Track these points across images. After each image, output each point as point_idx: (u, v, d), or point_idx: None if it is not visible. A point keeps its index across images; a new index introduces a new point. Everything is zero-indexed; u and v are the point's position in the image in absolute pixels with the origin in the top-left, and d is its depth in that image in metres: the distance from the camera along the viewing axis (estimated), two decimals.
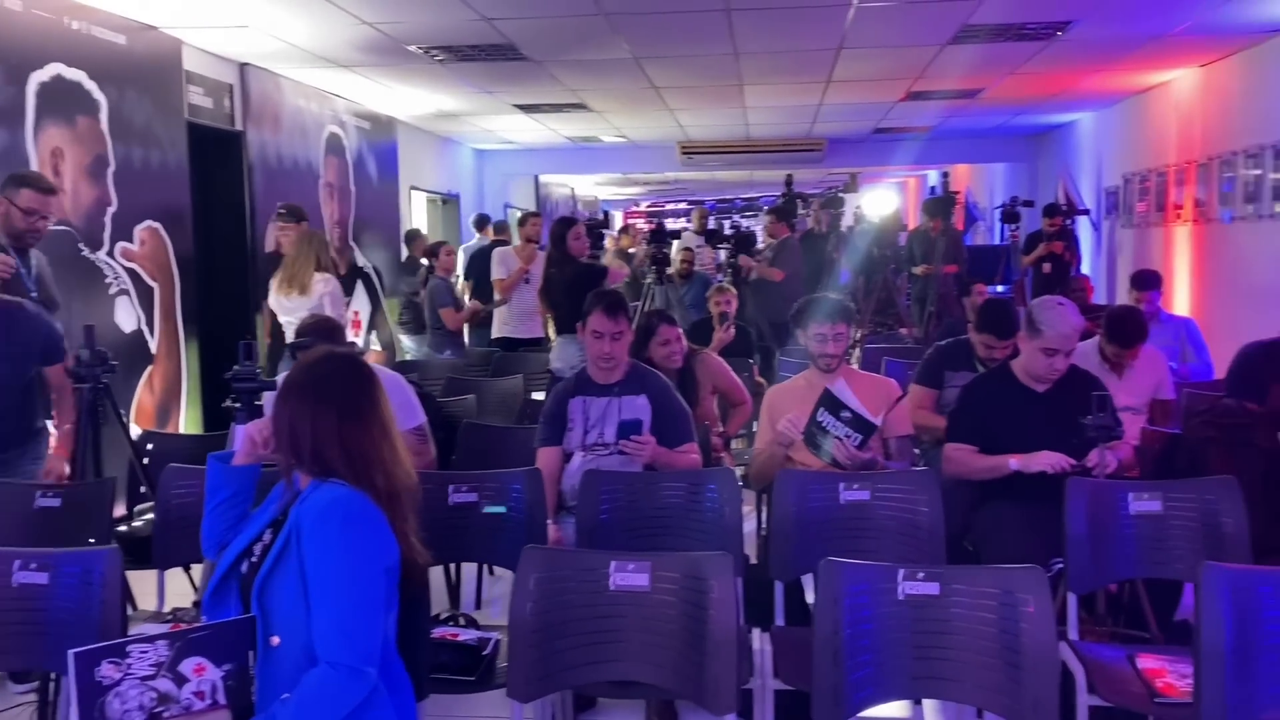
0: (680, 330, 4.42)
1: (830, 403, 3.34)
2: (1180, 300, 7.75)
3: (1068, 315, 3.35)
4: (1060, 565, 2.92)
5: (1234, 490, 2.85)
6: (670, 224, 17.24)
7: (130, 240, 5.42)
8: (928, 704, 3.28)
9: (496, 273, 7.23)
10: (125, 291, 5.34)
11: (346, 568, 1.88)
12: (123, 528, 3.75)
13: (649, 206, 24.55)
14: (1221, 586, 2.08)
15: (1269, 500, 3.17)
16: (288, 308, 5.18)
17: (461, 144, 11.80)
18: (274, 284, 5.41)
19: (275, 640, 1.89)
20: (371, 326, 7.08)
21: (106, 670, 1.74)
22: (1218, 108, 7.41)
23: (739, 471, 4.30)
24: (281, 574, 1.92)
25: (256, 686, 1.89)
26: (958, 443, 3.45)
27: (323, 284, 5.42)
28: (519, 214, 8.07)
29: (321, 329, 3.47)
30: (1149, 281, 5.54)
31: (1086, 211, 9.89)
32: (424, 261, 8.40)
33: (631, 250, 9.65)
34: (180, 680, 1.79)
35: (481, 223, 9.68)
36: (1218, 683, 2.05)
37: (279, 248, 5.71)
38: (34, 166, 4.67)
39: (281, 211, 5.73)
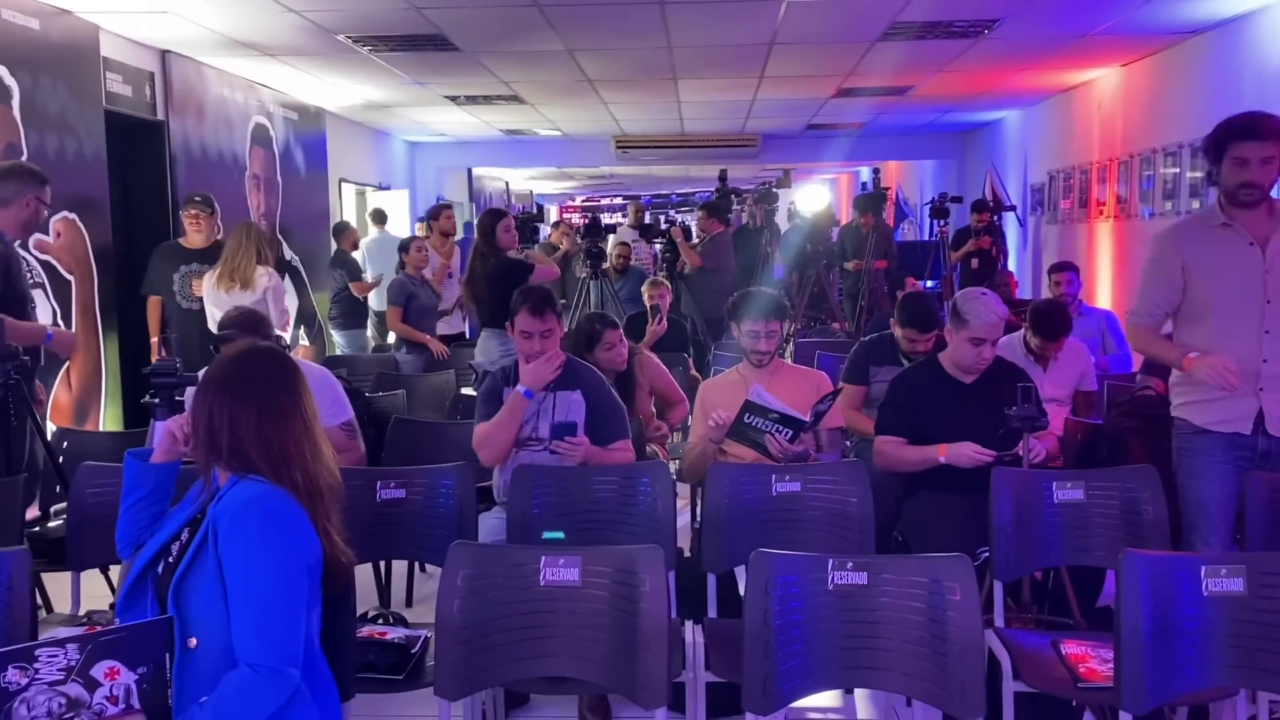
0: (622, 333, 4.42)
1: (754, 409, 3.35)
2: (1103, 294, 7.95)
3: (991, 305, 3.41)
4: (987, 554, 2.97)
5: (1153, 478, 2.92)
6: (605, 219, 17.21)
7: (45, 232, 5.24)
8: (859, 693, 3.32)
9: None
10: (40, 285, 5.16)
11: (265, 567, 1.83)
12: (36, 529, 3.62)
13: (584, 201, 24.49)
14: (1140, 572, 2.13)
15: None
16: (227, 302, 5.03)
17: (393, 136, 11.64)
18: (210, 278, 5.27)
19: (193, 642, 1.84)
20: (300, 321, 6.95)
21: (12, 676, 1.67)
22: (1138, 106, 7.60)
23: (673, 466, 4.31)
24: (198, 574, 1.86)
25: (174, 690, 1.83)
26: (887, 435, 3.48)
27: (266, 277, 5.30)
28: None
29: (246, 322, 3.38)
30: (1064, 265, 5.87)
31: (1013, 208, 10.09)
32: (355, 255, 8.32)
33: (562, 245, 9.56)
34: (92, 685, 1.73)
35: (379, 217, 9.45)
36: (1137, 665, 2.10)
37: (188, 239, 5.55)
38: None
39: (196, 200, 5.55)
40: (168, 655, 1.82)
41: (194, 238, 5.51)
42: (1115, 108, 8.00)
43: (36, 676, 1.68)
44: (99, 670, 1.73)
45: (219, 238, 5.58)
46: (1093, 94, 8.44)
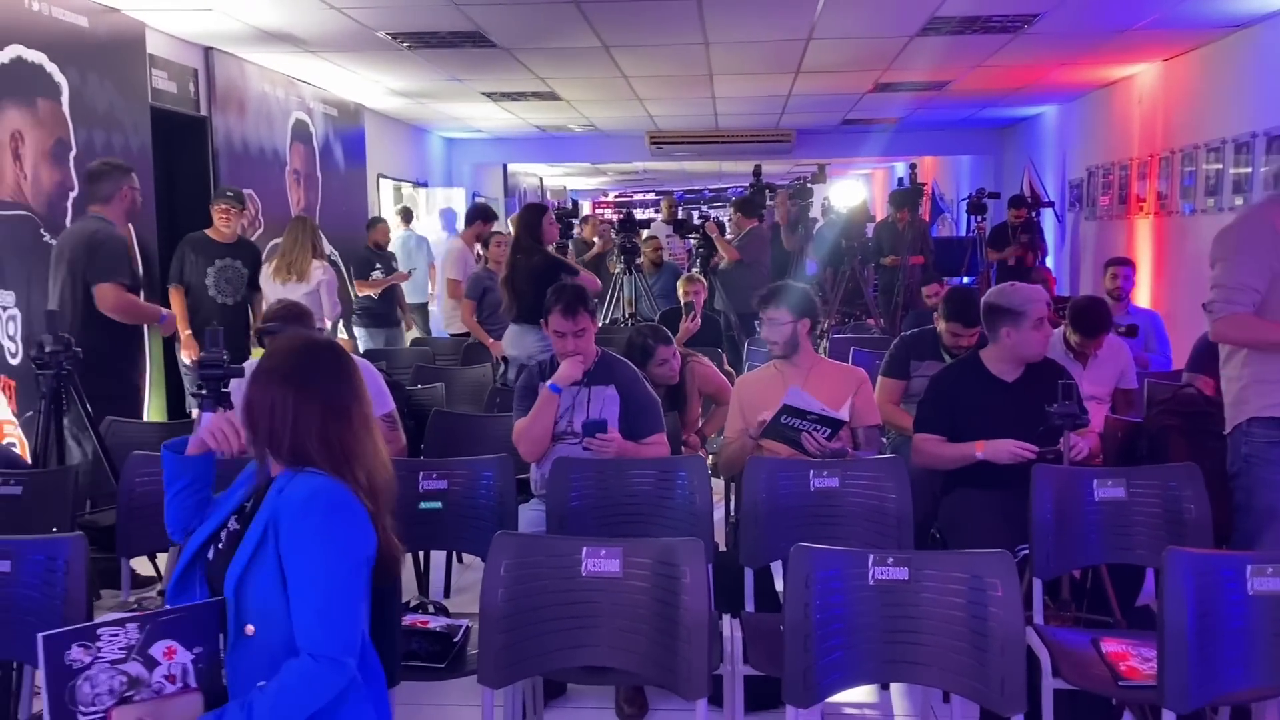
0: (675, 347, 4.43)
1: (792, 411, 3.36)
2: (1142, 292, 7.86)
3: (1033, 287, 3.50)
4: (1026, 551, 2.96)
5: (1196, 477, 2.90)
6: (639, 215, 17.20)
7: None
8: (895, 688, 3.32)
9: (452, 271, 7.24)
10: None
11: (328, 558, 1.84)
12: (87, 516, 3.71)
13: (617, 197, 24.51)
14: (1184, 571, 2.12)
15: (1227, 487, 3.22)
16: (283, 294, 5.13)
17: (430, 132, 11.72)
18: (268, 270, 5.41)
19: (250, 630, 1.85)
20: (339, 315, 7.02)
21: (76, 654, 1.71)
22: (1180, 102, 7.51)
23: (709, 460, 4.32)
24: (258, 565, 1.87)
25: (227, 673, 1.87)
26: (926, 433, 3.48)
27: (321, 271, 5.53)
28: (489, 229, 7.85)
29: (289, 314, 3.44)
30: (1121, 260, 5.82)
31: (1051, 204, 10.00)
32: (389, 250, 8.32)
33: (593, 240, 9.57)
34: (151, 663, 1.77)
35: (406, 215, 9.40)
36: (1180, 665, 2.09)
37: (216, 231, 5.55)
38: None
39: (228, 194, 5.59)
40: (221, 637, 1.85)
41: (223, 231, 5.54)
42: (1156, 103, 7.91)
43: (99, 655, 1.72)
44: (158, 649, 1.76)
45: (247, 233, 5.61)
46: (1133, 89, 8.35)
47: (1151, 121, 7.99)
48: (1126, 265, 5.74)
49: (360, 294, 7.73)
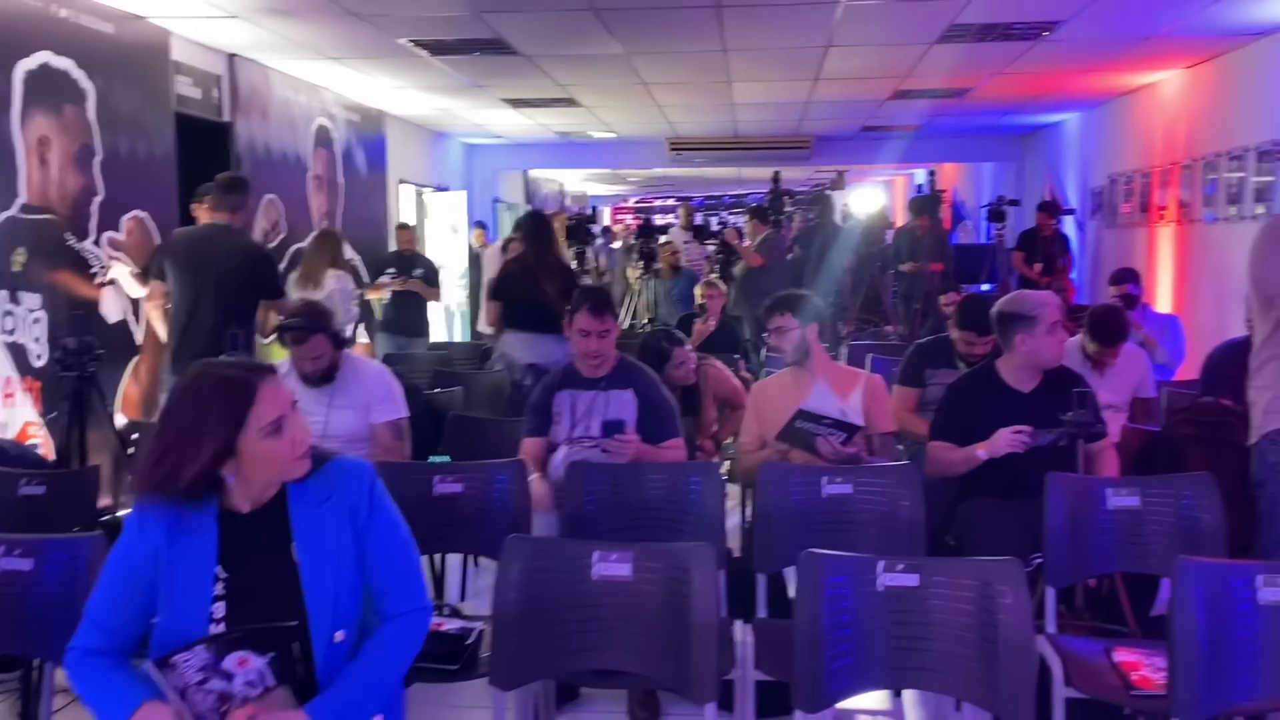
0: (690, 349, 4.47)
1: (808, 416, 3.38)
2: (1164, 300, 7.81)
3: (1042, 293, 3.51)
4: (1040, 560, 2.95)
5: (1211, 487, 2.88)
6: (658, 221, 17.24)
7: (117, 230, 5.40)
8: (908, 694, 3.32)
9: (491, 271, 7.30)
10: (111, 281, 5.32)
11: (399, 518, 2.01)
12: (107, 517, 3.75)
13: (637, 203, 24.56)
14: (1195, 580, 2.12)
15: (1247, 497, 3.21)
16: None
17: (451, 137, 11.79)
18: (293, 278, 5.58)
19: (339, 636, 1.89)
20: (360, 319, 7.09)
21: (173, 681, 1.74)
22: (1202, 110, 7.46)
23: (725, 466, 4.34)
24: (345, 568, 1.90)
25: (318, 674, 1.87)
26: (940, 441, 3.47)
27: (334, 280, 5.72)
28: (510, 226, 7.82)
29: (310, 313, 3.49)
30: (1124, 276, 5.81)
31: (1071, 211, 9.95)
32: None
33: (614, 246, 9.61)
34: (227, 677, 1.76)
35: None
36: (1191, 674, 2.09)
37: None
38: (20, 155, 4.67)
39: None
40: (296, 645, 1.83)
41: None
42: (1179, 110, 7.86)
43: (185, 681, 1.73)
44: (229, 663, 1.76)
45: (269, 237, 5.61)
46: (1155, 97, 8.30)
47: (1174, 129, 7.94)
48: (1128, 281, 5.71)
49: (367, 298, 7.64)
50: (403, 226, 8.21)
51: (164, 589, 1.86)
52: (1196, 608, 2.09)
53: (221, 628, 1.84)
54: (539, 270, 5.21)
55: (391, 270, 7.62)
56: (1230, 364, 4.09)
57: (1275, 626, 2.13)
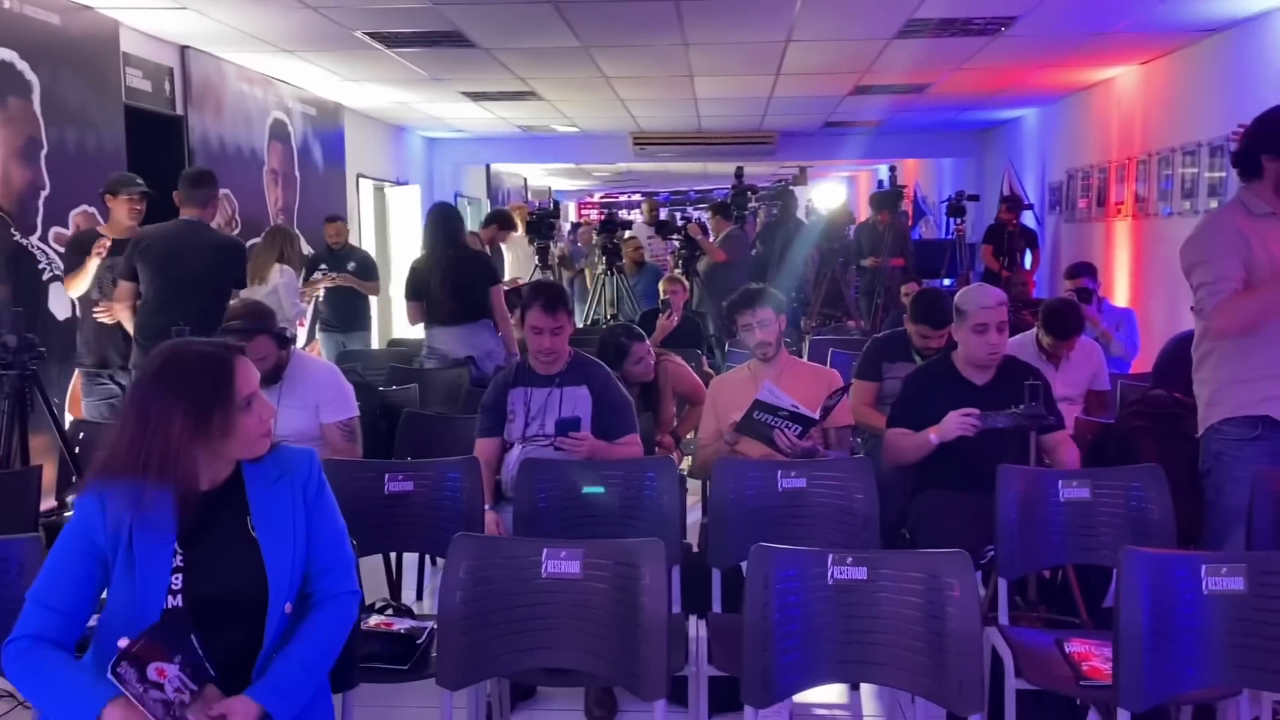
0: (649, 344, 4.45)
1: (764, 406, 3.37)
2: (1120, 294, 7.90)
3: (985, 289, 3.46)
4: (993, 552, 2.96)
5: (1160, 478, 2.90)
6: (625, 215, 17.21)
7: (64, 225, 5.30)
8: (865, 689, 3.32)
9: None
10: (59, 277, 5.22)
11: (335, 501, 2.09)
12: (52, 518, 3.67)
13: (602, 198, 24.50)
14: (1141, 570, 2.13)
15: (1196, 488, 3.24)
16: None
17: (411, 132, 11.68)
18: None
19: (288, 608, 1.96)
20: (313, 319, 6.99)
21: (128, 690, 1.73)
22: (1157, 105, 7.55)
23: (685, 463, 4.33)
24: (298, 544, 1.98)
25: (268, 644, 1.93)
26: (897, 428, 3.48)
27: (278, 274, 5.66)
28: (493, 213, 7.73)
29: (250, 313, 3.42)
30: (1080, 270, 5.87)
31: (1030, 206, 10.03)
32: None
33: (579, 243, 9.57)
34: (159, 687, 1.76)
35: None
36: (1136, 663, 2.10)
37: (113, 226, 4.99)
38: None
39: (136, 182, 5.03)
40: (193, 637, 1.83)
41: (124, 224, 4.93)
42: (1134, 106, 7.95)
43: (135, 691, 1.73)
44: (152, 674, 1.75)
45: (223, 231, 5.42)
46: (1112, 93, 8.39)
47: (1130, 124, 8.02)
48: (1083, 275, 5.78)
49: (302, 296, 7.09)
50: (332, 219, 7.57)
51: (123, 564, 1.88)
52: (1142, 598, 2.10)
53: (179, 600, 1.88)
54: (455, 262, 5.16)
55: (323, 266, 7.24)
56: (1181, 357, 4.15)
57: (1220, 616, 2.15)
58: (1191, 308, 3.10)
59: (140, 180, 5.07)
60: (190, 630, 1.83)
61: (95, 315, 4.77)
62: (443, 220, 5.35)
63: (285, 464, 2.02)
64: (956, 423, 3.21)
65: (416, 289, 5.27)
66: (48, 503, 4.01)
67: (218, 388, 1.86)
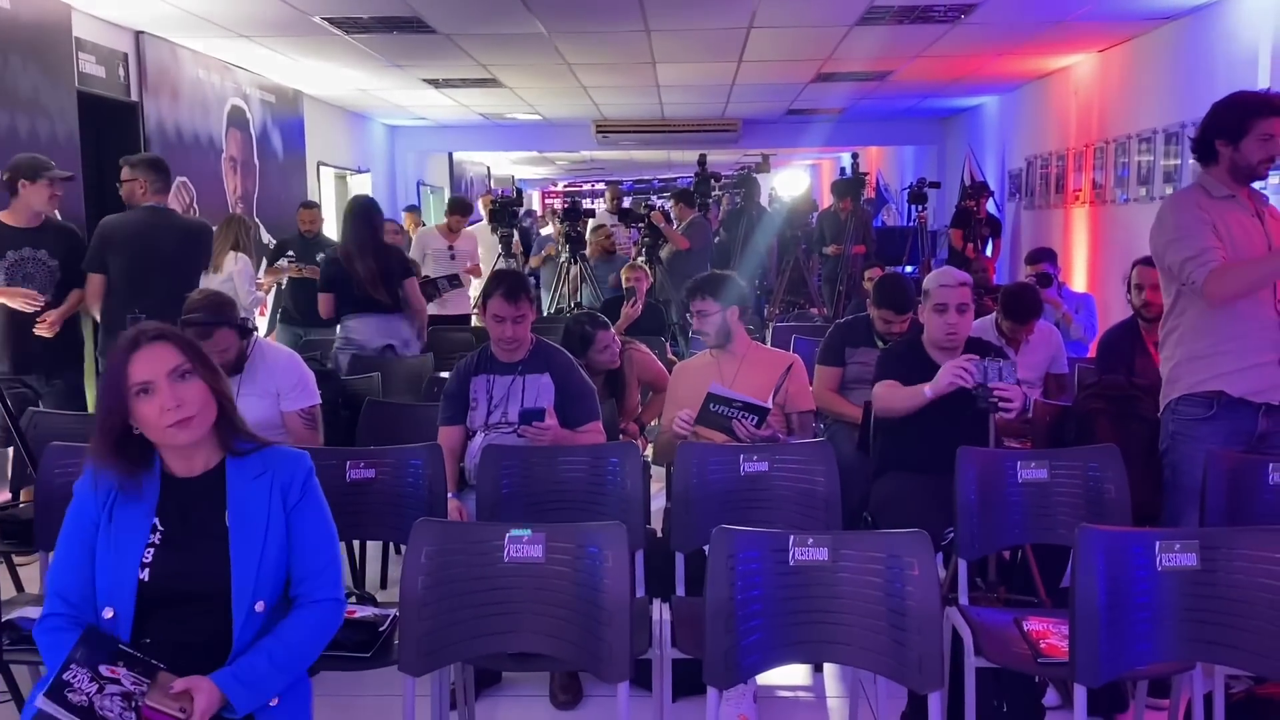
0: (614, 332, 4.45)
1: (718, 399, 3.38)
2: (1078, 279, 8.00)
3: (950, 271, 3.50)
4: (954, 534, 2.99)
5: (1116, 458, 2.95)
6: (588, 204, 17.13)
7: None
8: (828, 670, 3.36)
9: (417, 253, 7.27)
10: None
11: (327, 510, 2.10)
12: (7, 510, 3.62)
13: (566, 186, 24.42)
14: (1096, 548, 2.16)
15: (1151, 468, 3.30)
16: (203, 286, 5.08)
17: (372, 119, 11.58)
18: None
19: (260, 607, 1.97)
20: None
21: (73, 698, 1.75)
22: (1113, 93, 7.64)
23: (647, 448, 4.33)
24: (273, 542, 1.99)
25: (236, 641, 1.95)
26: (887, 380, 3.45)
27: (233, 262, 5.67)
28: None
29: (210, 304, 3.38)
30: (1040, 255, 5.96)
31: (991, 193, 10.12)
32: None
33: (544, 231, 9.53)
34: (115, 681, 1.79)
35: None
36: (1092, 639, 2.13)
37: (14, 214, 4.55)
38: None
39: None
40: (116, 641, 1.88)
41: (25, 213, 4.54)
42: (1092, 94, 8.04)
43: (87, 695, 1.76)
44: (105, 671, 1.80)
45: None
46: (1069, 80, 8.48)
47: (1088, 112, 8.12)
48: (1043, 260, 5.86)
49: (259, 283, 6.75)
50: (306, 205, 7.33)
51: (105, 531, 1.97)
52: (1098, 574, 2.14)
53: (148, 574, 1.94)
54: (370, 252, 5.12)
55: (290, 254, 6.87)
56: (1119, 342, 4.28)
57: (1173, 592, 2.19)
58: (1182, 283, 3.10)
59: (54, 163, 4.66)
60: (115, 642, 1.88)
61: (37, 330, 4.41)
62: (364, 212, 5.28)
63: (271, 463, 2.05)
64: (951, 372, 3.14)
65: (331, 281, 5.20)
66: (2, 494, 3.96)
67: (111, 377, 1.95)
